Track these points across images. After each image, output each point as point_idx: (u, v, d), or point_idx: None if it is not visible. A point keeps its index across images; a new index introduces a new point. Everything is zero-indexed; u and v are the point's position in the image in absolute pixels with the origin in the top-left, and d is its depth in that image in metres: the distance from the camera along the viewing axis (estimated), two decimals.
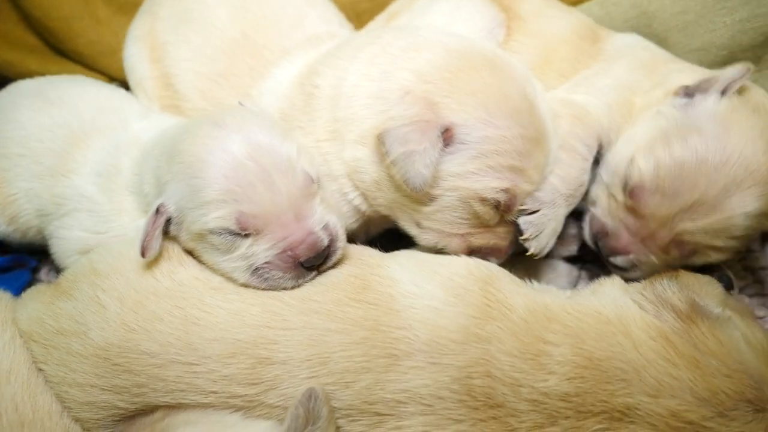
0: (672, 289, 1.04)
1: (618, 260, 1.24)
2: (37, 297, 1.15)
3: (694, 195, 1.12)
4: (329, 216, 1.09)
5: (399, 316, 1.02)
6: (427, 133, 1.02)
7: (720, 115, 1.14)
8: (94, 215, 1.20)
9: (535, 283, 1.16)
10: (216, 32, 1.36)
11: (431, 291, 1.04)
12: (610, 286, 1.11)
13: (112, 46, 1.72)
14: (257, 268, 1.04)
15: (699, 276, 1.12)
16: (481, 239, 1.15)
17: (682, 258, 1.19)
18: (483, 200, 1.10)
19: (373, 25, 1.55)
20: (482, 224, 1.14)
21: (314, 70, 1.23)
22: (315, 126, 1.18)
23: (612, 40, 1.42)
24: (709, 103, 1.16)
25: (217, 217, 1.01)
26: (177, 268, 1.09)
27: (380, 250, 1.17)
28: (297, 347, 1.00)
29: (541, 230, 1.16)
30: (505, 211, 1.12)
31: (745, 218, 1.12)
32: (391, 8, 1.57)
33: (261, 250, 1.04)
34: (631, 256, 1.22)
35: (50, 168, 1.24)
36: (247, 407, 1.01)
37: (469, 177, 1.08)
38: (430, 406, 0.98)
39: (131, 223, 1.19)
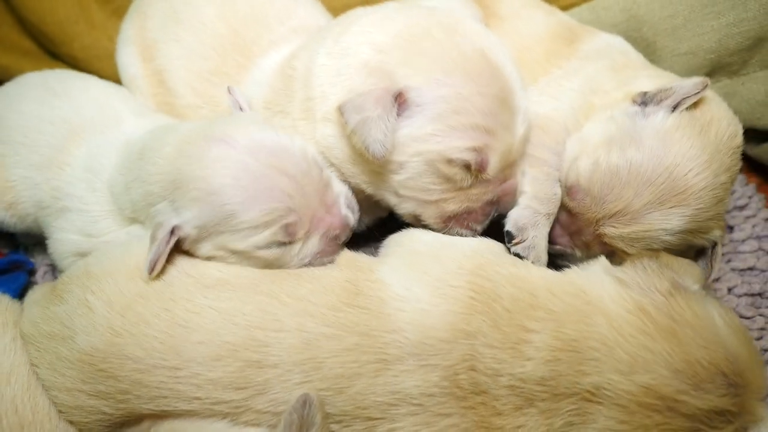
0: (652, 267, 1.04)
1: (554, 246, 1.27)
2: (38, 300, 1.16)
3: (618, 205, 1.15)
4: (344, 190, 1.17)
5: (389, 320, 1.02)
6: (381, 99, 1.04)
7: (663, 131, 1.15)
8: (84, 215, 1.21)
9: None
10: (205, 29, 1.37)
11: (419, 293, 1.05)
12: (596, 265, 1.11)
13: (107, 49, 1.72)
14: (309, 261, 1.12)
15: (678, 258, 1.13)
16: (453, 204, 1.16)
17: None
18: (449, 161, 1.09)
19: None
20: (457, 188, 1.14)
21: (294, 54, 1.26)
22: (293, 107, 1.20)
23: (592, 39, 1.42)
24: (657, 118, 1.16)
25: (267, 235, 1.05)
26: (167, 267, 1.08)
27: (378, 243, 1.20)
28: (290, 350, 0.99)
29: (540, 253, 1.19)
30: (479, 171, 1.12)
31: (665, 234, 1.14)
32: None
33: (310, 247, 1.11)
34: (557, 247, 1.25)
35: (48, 159, 1.25)
36: (232, 413, 0.99)
37: (429, 139, 1.08)
38: (420, 405, 0.99)
39: (117, 228, 1.20)
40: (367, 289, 1.06)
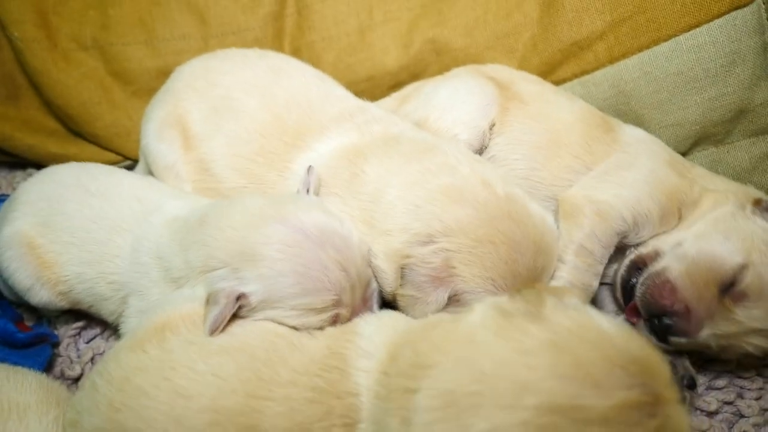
0: (532, 294, 0.97)
1: (674, 338, 1.26)
2: None
3: None
4: (377, 287, 1.26)
5: (349, 381, 1.03)
6: (437, 291, 1.18)
7: None
8: (144, 299, 1.28)
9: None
10: (248, 118, 1.44)
11: (377, 346, 1.07)
12: (482, 303, 1.04)
13: (127, 128, 1.83)
14: None
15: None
16: None
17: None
18: None
19: (386, 103, 1.66)
20: None
21: (363, 154, 1.32)
22: (355, 202, 1.29)
23: (624, 130, 1.50)
24: None
25: (317, 320, 1.15)
26: (168, 336, 1.10)
27: None
28: (279, 418, 1.02)
29: None
30: None
31: None
32: (404, 91, 1.69)
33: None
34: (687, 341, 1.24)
35: (99, 255, 1.33)
36: None
37: None
38: None
39: (159, 294, 1.26)
40: (339, 347, 1.09)
